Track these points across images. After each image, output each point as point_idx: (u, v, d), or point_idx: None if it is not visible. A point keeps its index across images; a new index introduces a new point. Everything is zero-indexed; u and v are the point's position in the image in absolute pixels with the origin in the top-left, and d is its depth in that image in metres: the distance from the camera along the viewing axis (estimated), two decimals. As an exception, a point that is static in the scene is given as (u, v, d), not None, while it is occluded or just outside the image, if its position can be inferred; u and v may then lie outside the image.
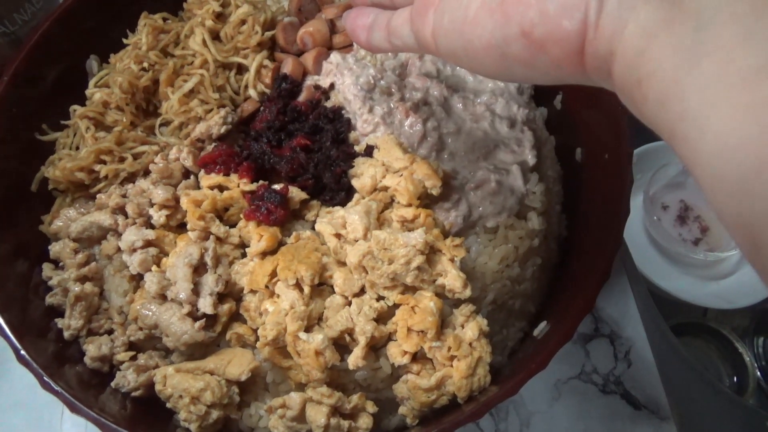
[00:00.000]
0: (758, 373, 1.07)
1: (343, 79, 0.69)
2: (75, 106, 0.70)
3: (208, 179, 0.65)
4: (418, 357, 0.58)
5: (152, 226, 0.63)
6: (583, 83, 0.31)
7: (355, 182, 0.64)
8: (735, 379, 1.08)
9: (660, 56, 0.25)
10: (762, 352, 1.08)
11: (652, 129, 0.28)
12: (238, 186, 0.64)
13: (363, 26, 0.47)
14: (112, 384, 0.59)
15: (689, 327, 1.12)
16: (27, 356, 0.53)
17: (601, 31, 0.28)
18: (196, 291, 0.58)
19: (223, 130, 0.67)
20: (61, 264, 0.64)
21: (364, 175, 0.64)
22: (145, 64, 0.69)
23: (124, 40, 0.73)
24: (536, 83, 0.32)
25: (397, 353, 0.57)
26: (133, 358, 0.60)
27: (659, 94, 0.25)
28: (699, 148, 0.23)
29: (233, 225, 0.64)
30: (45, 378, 0.52)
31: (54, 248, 0.64)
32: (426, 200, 0.63)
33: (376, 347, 0.59)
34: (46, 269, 0.64)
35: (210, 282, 0.59)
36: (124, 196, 0.65)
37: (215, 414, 0.57)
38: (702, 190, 0.25)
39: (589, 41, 0.29)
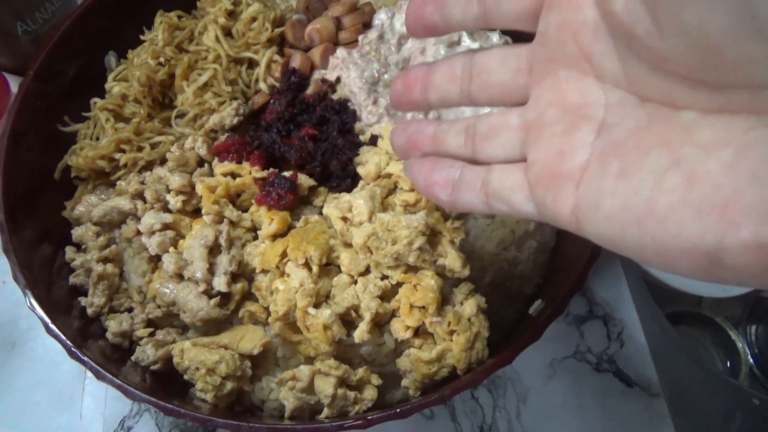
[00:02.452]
0: (751, 359, 1.10)
1: (348, 73, 0.73)
2: (95, 99, 0.74)
3: (221, 167, 0.68)
4: (420, 332, 0.61)
5: (169, 211, 0.67)
6: None
7: (360, 170, 0.68)
8: (728, 364, 1.11)
9: None
10: (755, 339, 1.12)
11: None
12: (250, 173, 0.68)
13: (444, 182, 0.39)
14: (132, 358, 0.62)
15: (684, 315, 1.15)
16: (56, 329, 0.56)
17: None
18: (211, 270, 0.62)
19: (235, 121, 0.71)
20: (83, 246, 0.68)
21: (368, 162, 0.68)
22: (162, 59, 0.73)
23: (141, 37, 0.77)
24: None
25: (400, 328, 0.61)
26: (152, 335, 0.64)
27: None
28: None
29: (245, 210, 0.67)
30: (73, 348, 0.55)
31: (77, 232, 0.68)
32: (427, 186, 0.67)
33: (380, 324, 0.62)
34: (69, 252, 0.68)
35: (224, 262, 0.62)
36: (142, 183, 0.69)
37: (229, 385, 0.60)
38: None
39: None
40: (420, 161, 0.41)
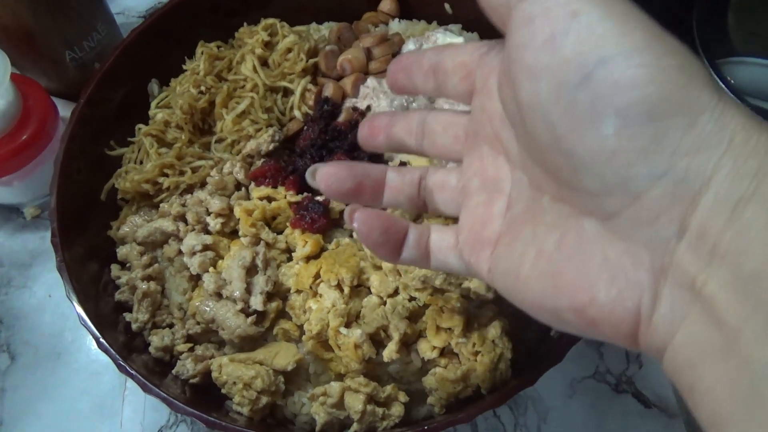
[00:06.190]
0: None
1: (378, 102, 0.77)
2: (140, 125, 0.79)
3: (258, 191, 0.72)
4: (445, 352, 0.64)
5: (209, 232, 0.71)
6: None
7: (389, 195, 0.71)
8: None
9: (713, 384, 0.25)
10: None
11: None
12: (285, 197, 0.71)
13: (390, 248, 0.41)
14: (173, 371, 0.66)
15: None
16: (106, 343, 0.60)
17: (653, 329, 0.27)
18: (248, 290, 0.66)
19: (271, 147, 0.75)
20: (128, 265, 0.72)
21: (397, 188, 0.71)
22: (202, 88, 0.78)
23: (183, 66, 0.82)
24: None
25: (426, 348, 0.64)
26: (191, 350, 0.68)
27: (710, 416, 0.25)
28: None
29: (280, 232, 0.71)
30: (121, 362, 0.59)
31: (121, 251, 0.72)
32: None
33: (407, 343, 0.65)
34: (114, 269, 0.72)
35: (261, 282, 0.66)
36: (183, 205, 0.73)
37: (264, 399, 0.64)
38: None
39: (642, 332, 0.28)
40: (364, 212, 0.40)
